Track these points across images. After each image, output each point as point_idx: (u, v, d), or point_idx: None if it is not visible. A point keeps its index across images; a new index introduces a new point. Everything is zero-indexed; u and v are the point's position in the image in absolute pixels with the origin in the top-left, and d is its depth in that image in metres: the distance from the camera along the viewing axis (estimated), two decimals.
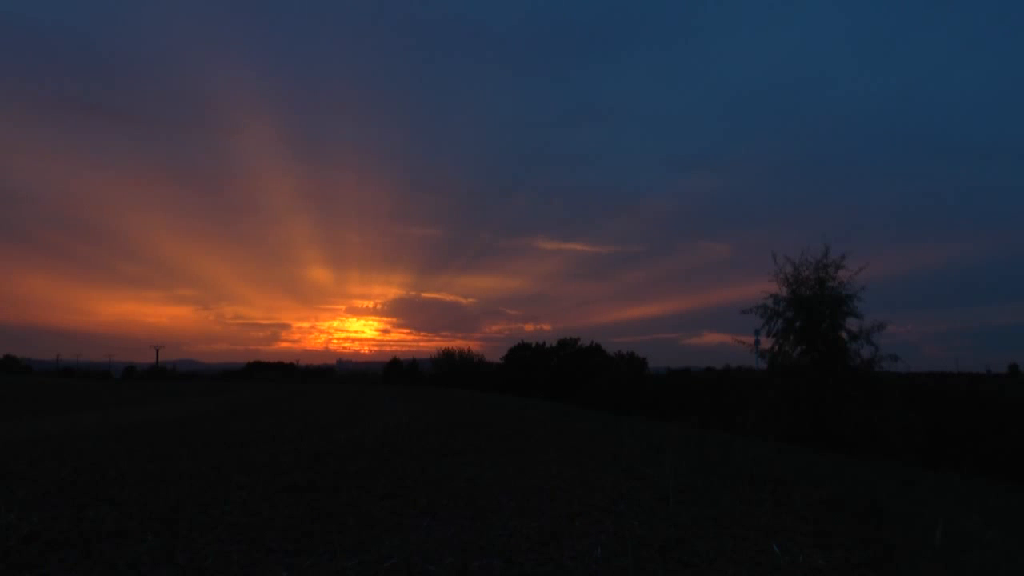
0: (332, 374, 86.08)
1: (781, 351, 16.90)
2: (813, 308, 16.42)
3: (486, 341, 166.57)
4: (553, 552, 4.13)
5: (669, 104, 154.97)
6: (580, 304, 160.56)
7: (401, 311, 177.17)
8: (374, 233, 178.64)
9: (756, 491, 6.35)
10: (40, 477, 6.45)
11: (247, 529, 4.52)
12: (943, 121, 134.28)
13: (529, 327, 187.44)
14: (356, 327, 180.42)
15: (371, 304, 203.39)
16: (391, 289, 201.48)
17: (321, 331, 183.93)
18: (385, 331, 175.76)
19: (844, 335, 16.43)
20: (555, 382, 47.10)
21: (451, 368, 56.46)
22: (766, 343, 17.50)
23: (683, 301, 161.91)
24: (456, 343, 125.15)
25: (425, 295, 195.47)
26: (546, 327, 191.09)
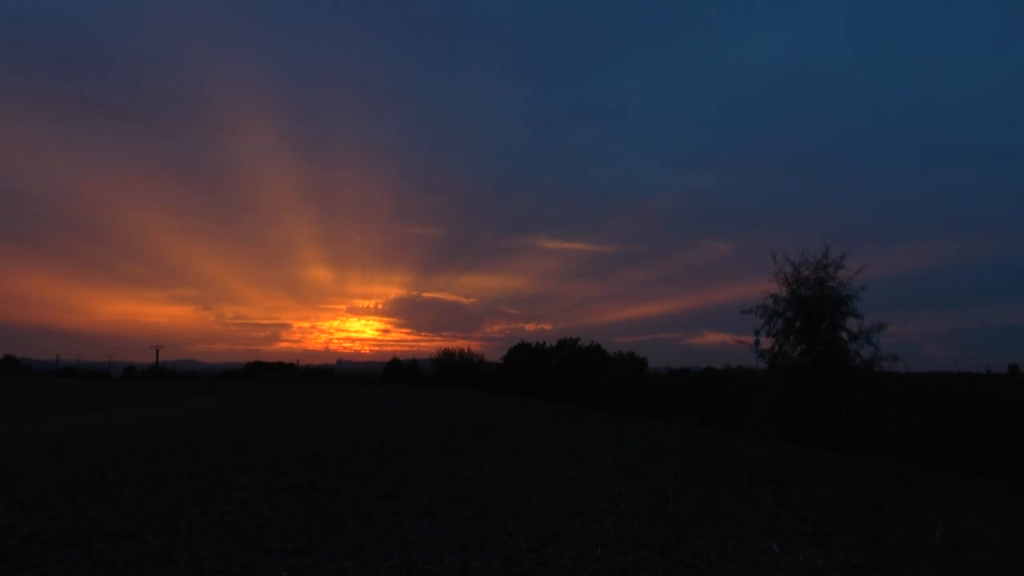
0: (332, 374, 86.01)
1: (781, 351, 16.89)
2: (813, 308, 16.41)
3: (487, 341, 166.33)
4: (553, 552, 4.13)
5: (672, 102, 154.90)
6: (581, 304, 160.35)
7: (402, 311, 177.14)
8: (375, 232, 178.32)
9: (756, 491, 6.35)
10: (40, 477, 6.45)
11: (247, 529, 4.53)
12: (945, 119, 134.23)
13: (530, 327, 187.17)
14: (356, 327, 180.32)
15: (372, 304, 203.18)
16: (392, 288, 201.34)
17: (321, 331, 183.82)
18: (386, 331, 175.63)
19: (844, 335, 16.42)
20: (555, 382, 47.07)
21: (451, 368, 56.43)
22: (766, 343, 17.49)
23: (684, 300, 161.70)
24: (457, 343, 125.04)
25: (426, 295, 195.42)
26: (547, 327, 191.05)
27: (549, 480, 6.59)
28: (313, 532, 4.49)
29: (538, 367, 51.14)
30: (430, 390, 33.63)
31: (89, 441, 9.66)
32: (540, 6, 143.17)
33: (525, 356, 53.98)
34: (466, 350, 59.66)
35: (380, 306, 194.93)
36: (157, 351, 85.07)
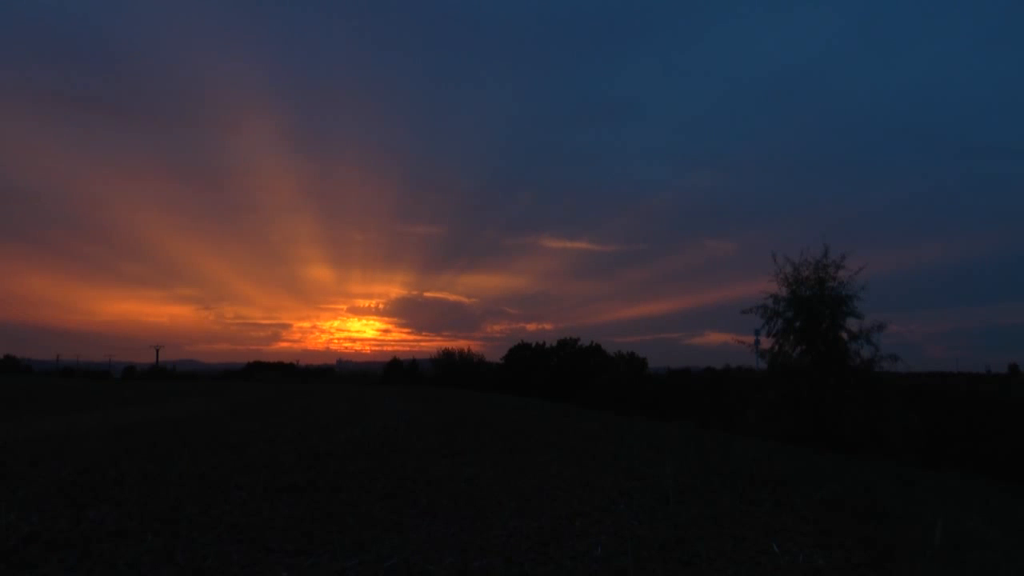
0: (332, 374, 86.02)
1: (781, 351, 16.89)
2: (813, 308, 16.41)
3: (487, 341, 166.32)
4: (553, 552, 4.13)
5: (674, 101, 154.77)
6: (582, 303, 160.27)
7: (403, 311, 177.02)
8: (376, 231, 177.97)
9: (756, 491, 6.35)
10: (40, 477, 6.45)
11: (247, 529, 4.52)
12: (946, 118, 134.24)
13: (531, 327, 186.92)
14: (357, 327, 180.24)
15: (372, 304, 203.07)
16: (393, 288, 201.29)
17: (322, 331, 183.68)
18: (386, 331, 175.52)
19: (844, 335, 16.42)
20: (555, 382, 47.08)
21: (451, 368, 56.43)
22: (766, 343, 17.50)
23: (686, 300, 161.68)
24: (458, 343, 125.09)
25: (427, 294, 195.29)
26: (547, 327, 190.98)
27: (549, 480, 6.59)
28: (313, 532, 4.49)
29: (538, 367, 51.14)
30: (430, 390, 33.62)
31: (89, 441, 9.66)
32: (543, 5, 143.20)
33: (525, 356, 53.99)
34: (466, 350, 59.70)
35: (381, 306, 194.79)
36: (157, 351, 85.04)
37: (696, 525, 4.86)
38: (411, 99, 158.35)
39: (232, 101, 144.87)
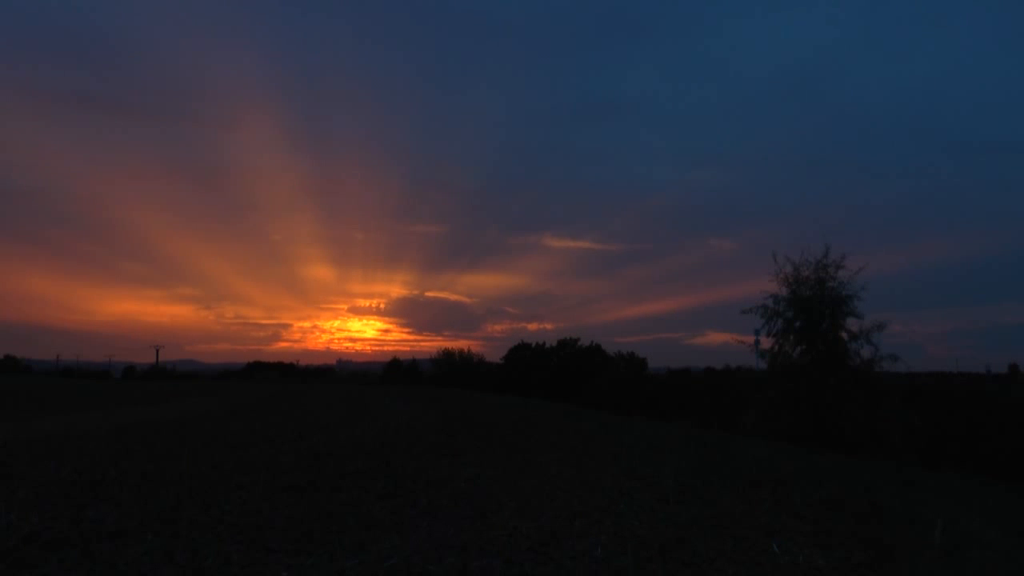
0: (332, 374, 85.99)
1: (781, 351, 16.89)
2: (813, 308, 16.42)
3: (488, 341, 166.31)
4: (553, 552, 4.13)
5: (678, 99, 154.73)
6: (584, 303, 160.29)
7: (403, 311, 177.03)
8: (378, 230, 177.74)
9: (756, 491, 6.35)
10: (40, 477, 6.45)
11: (247, 529, 4.52)
12: (946, 117, 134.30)
13: (532, 326, 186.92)
14: (357, 327, 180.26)
15: (373, 303, 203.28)
16: (394, 287, 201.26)
17: (323, 331, 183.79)
18: (386, 331, 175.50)
19: (844, 335, 16.42)
20: (555, 382, 47.07)
21: (451, 368, 56.42)
22: (766, 343, 17.51)
23: (687, 299, 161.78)
24: (458, 343, 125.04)
25: (428, 294, 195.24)
26: (548, 326, 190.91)
27: (549, 480, 6.59)
28: (313, 532, 4.49)
29: (538, 367, 51.15)
30: (430, 390, 33.62)
31: (89, 441, 9.66)
32: (545, 4, 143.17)
33: (525, 356, 54.00)
34: (466, 350, 59.68)
35: (382, 306, 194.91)
36: (157, 351, 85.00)
37: (696, 525, 4.86)
38: (413, 98, 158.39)
39: (233, 100, 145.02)
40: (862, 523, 5.19)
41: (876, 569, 3.99)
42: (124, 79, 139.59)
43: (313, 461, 7.60)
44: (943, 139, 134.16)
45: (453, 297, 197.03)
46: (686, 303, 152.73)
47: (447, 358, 58.30)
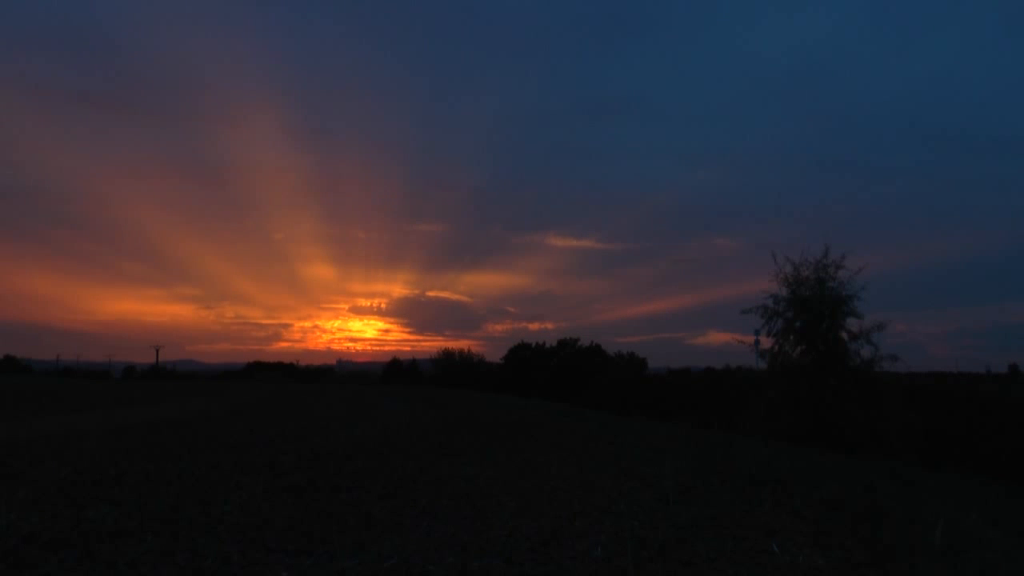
0: (332, 374, 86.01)
1: (781, 351, 16.91)
2: (813, 308, 16.43)
3: (489, 341, 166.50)
4: (553, 552, 4.13)
5: (679, 98, 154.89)
6: (584, 303, 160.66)
7: (404, 310, 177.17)
8: (379, 229, 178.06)
9: (756, 491, 6.35)
10: (40, 477, 6.45)
11: (247, 529, 4.52)
12: (947, 117, 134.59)
13: (533, 326, 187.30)
14: (358, 327, 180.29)
15: (374, 303, 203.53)
16: (395, 287, 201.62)
17: (323, 330, 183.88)
18: (387, 331, 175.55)
19: (844, 335, 16.44)
20: (555, 382, 47.11)
21: (451, 368, 56.47)
22: (766, 343, 17.53)
23: (688, 299, 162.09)
24: (459, 343, 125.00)
25: (429, 294, 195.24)
26: (549, 326, 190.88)
27: (549, 480, 6.59)
28: (313, 532, 4.49)
29: (538, 367, 51.18)
30: (430, 390, 33.61)
31: (89, 441, 9.65)
32: (548, 3, 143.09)
33: (525, 356, 54.05)
34: (466, 350, 59.75)
35: (383, 305, 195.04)
36: (157, 351, 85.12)
37: (696, 525, 4.86)
38: (415, 96, 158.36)
39: (234, 98, 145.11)
40: (862, 523, 5.19)
41: (876, 569, 3.99)
42: (126, 78, 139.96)
43: (313, 461, 7.60)
44: (943, 139, 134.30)
45: (454, 297, 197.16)
46: (686, 303, 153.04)
47: (447, 358, 58.37)
